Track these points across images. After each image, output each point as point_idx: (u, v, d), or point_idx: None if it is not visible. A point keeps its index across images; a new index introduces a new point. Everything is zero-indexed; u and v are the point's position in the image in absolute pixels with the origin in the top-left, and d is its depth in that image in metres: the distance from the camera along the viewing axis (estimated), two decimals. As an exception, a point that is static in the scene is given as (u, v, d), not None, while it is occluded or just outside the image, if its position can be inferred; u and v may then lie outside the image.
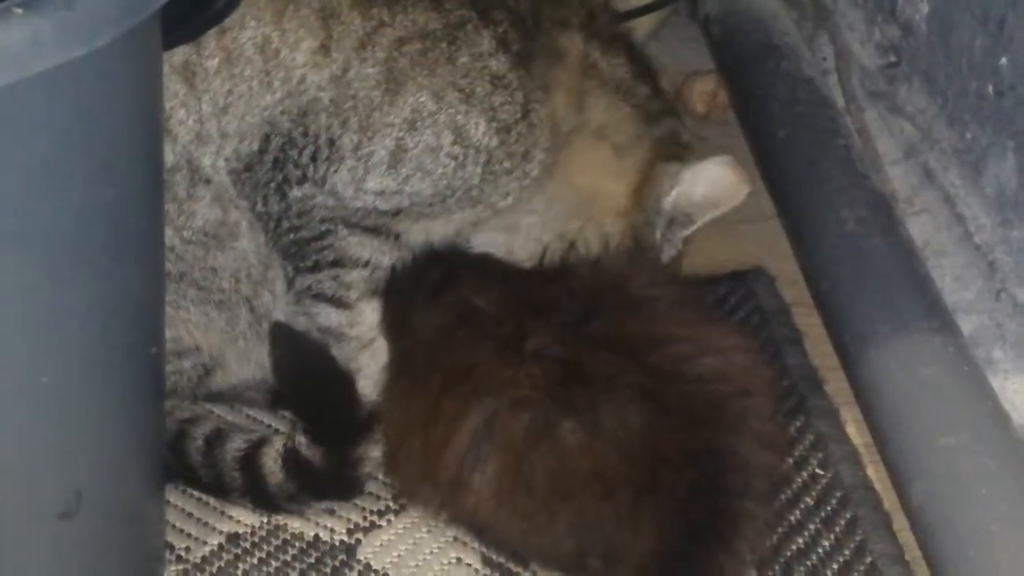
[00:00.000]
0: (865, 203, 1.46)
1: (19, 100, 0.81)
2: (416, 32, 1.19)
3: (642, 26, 1.77)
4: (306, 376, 1.29)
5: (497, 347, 1.19)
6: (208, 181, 1.22)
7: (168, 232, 1.19)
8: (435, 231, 1.28)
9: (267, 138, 1.21)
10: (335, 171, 1.21)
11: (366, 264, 1.26)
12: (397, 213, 1.24)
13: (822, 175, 1.52)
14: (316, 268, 1.25)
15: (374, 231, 1.25)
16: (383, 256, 1.26)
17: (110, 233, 0.93)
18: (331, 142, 1.21)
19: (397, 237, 1.26)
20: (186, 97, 1.19)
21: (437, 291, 1.26)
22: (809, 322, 1.47)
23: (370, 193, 1.22)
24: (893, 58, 1.67)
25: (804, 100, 1.65)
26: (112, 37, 0.83)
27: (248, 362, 1.31)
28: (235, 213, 1.24)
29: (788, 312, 1.50)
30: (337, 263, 1.25)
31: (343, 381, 1.26)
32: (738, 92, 1.77)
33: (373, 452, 1.25)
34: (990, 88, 1.42)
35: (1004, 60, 1.38)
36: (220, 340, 1.29)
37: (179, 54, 1.16)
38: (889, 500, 1.28)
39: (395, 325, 1.29)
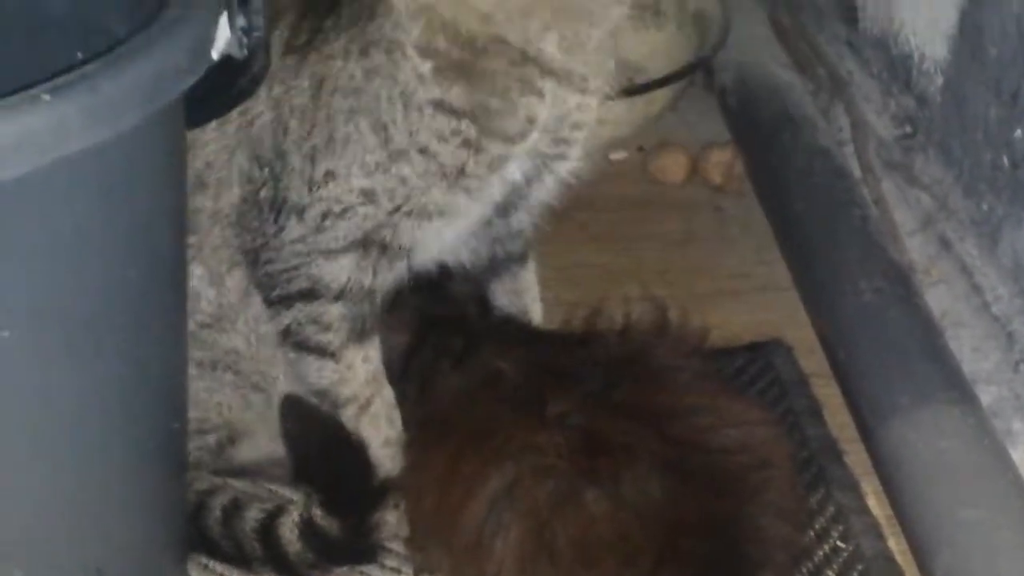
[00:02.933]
0: (882, 273, 1.46)
1: (45, 183, 0.83)
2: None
3: (660, 98, 1.79)
4: (317, 447, 1.29)
5: (519, 412, 1.19)
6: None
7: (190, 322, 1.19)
8: (430, 236, 1.22)
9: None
10: (288, 181, 1.18)
11: (341, 294, 1.21)
12: (367, 204, 1.18)
13: (839, 246, 1.52)
14: (289, 300, 1.22)
15: (350, 246, 1.20)
16: (363, 275, 1.21)
17: (132, 313, 0.94)
18: (279, 154, 1.18)
19: (383, 249, 1.21)
20: None
21: (461, 357, 1.27)
22: (828, 392, 1.47)
23: (321, 183, 1.17)
24: (909, 129, 1.68)
25: (821, 171, 1.66)
26: (137, 121, 0.85)
27: (276, 438, 1.31)
28: (228, 291, 1.25)
29: (807, 383, 1.50)
30: (311, 294, 1.21)
31: (354, 449, 1.26)
32: (755, 163, 1.78)
33: (389, 517, 1.25)
34: (1005, 159, 1.43)
35: (1019, 132, 1.39)
36: (253, 418, 1.29)
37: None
38: (911, 573, 1.27)
39: (418, 394, 1.29)
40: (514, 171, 1.21)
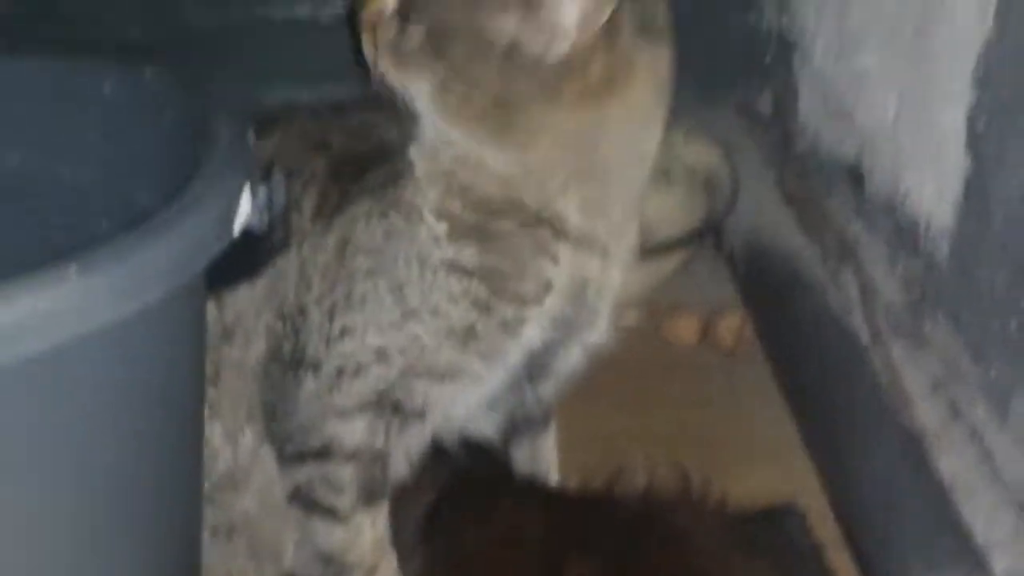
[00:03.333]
0: (894, 440, 1.47)
1: (71, 355, 0.84)
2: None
3: (670, 261, 1.81)
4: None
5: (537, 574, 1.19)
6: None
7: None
8: (445, 399, 1.23)
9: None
10: (308, 336, 1.20)
11: (354, 455, 1.22)
12: (380, 363, 1.19)
13: (850, 411, 1.53)
14: (302, 459, 1.23)
15: (364, 406, 1.21)
16: (376, 438, 1.22)
17: (149, 482, 0.95)
18: (300, 309, 1.20)
19: (396, 411, 1.22)
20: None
21: (483, 518, 1.27)
22: (842, 557, 1.47)
23: (337, 339, 1.19)
24: (917, 293, 1.69)
25: (831, 335, 1.67)
26: (162, 293, 0.87)
27: None
28: (242, 449, 1.25)
29: (820, 550, 1.49)
30: (324, 453, 1.22)
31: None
32: (765, 327, 1.80)
33: None
34: (1013, 325, 1.44)
35: (1026, 298, 1.41)
36: None
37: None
38: None
39: (440, 554, 1.29)
40: (533, 337, 1.21)
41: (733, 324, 1.83)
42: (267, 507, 1.27)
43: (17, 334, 0.80)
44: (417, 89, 1.15)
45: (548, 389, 1.31)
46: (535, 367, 1.26)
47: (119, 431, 0.91)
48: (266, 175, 1.03)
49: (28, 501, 0.87)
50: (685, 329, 1.84)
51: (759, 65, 2.19)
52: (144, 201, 1.09)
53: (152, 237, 0.86)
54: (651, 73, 1.16)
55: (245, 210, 0.97)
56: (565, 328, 1.23)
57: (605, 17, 1.09)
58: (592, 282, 1.22)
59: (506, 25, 1.10)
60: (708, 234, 1.90)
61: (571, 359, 1.27)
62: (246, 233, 0.98)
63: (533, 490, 1.33)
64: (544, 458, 1.44)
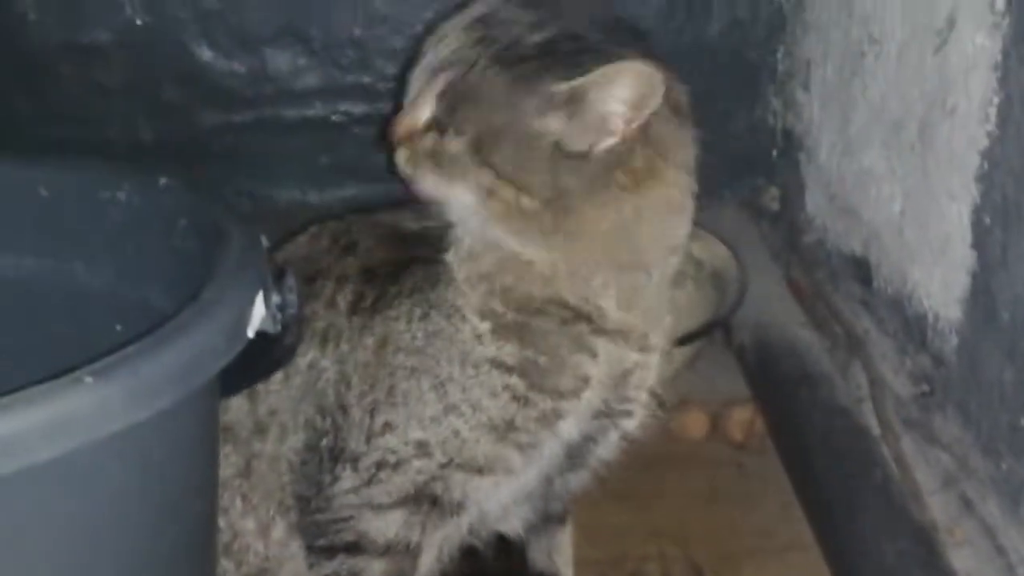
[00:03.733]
0: (905, 534, 1.46)
1: (86, 460, 0.85)
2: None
3: (679, 356, 1.81)
4: None
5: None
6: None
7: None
8: (482, 492, 1.24)
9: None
10: (348, 432, 1.21)
11: (386, 550, 1.22)
12: (421, 456, 1.20)
13: (861, 506, 1.53)
14: (332, 552, 1.23)
15: (401, 501, 1.21)
16: (411, 532, 1.22)
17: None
18: (341, 406, 1.22)
19: (434, 503, 1.22)
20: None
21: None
22: (855, 655, 1.46)
23: (378, 434, 1.20)
24: (926, 387, 1.69)
25: (840, 429, 1.67)
26: (174, 399, 0.88)
27: None
28: (273, 542, 1.26)
29: (833, 646, 1.49)
30: (355, 547, 1.22)
31: None
32: (774, 421, 1.80)
33: None
34: (1022, 421, 1.44)
35: (1035, 394, 1.41)
36: None
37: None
38: None
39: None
40: (571, 430, 1.22)
41: (743, 418, 1.83)
42: None
43: (32, 441, 0.81)
44: (459, 198, 1.16)
45: (580, 481, 1.33)
46: (571, 459, 1.27)
47: (132, 535, 0.92)
48: (279, 278, 1.04)
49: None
50: (694, 423, 1.84)
51: (765, 161, 2.22)
52: (158, 303, 1.11)
53: (164, 345, 0.87)
54: (684, 158, 1.18)
55: (260, 313, 0.99)
56: (604, 418, 1.24)
57: (652, 109, 1.10)
58: (632, 373, 1.23)
59: (552, 126, 1.11)
60: (717, 329, 1.91)
61: (608, 450, 1.28)
62: (260, 335, 1.00)
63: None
64: (561, 553, 1.44)
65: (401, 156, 1.17)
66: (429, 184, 1.17)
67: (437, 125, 1.15)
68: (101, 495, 0.88)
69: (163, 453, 0.93)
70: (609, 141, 1.11)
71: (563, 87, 1.10)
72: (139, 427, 0.85)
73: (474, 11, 1.17)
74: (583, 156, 1.12)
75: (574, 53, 1.11)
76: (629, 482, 1.73)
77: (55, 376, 0.82)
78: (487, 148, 1.12)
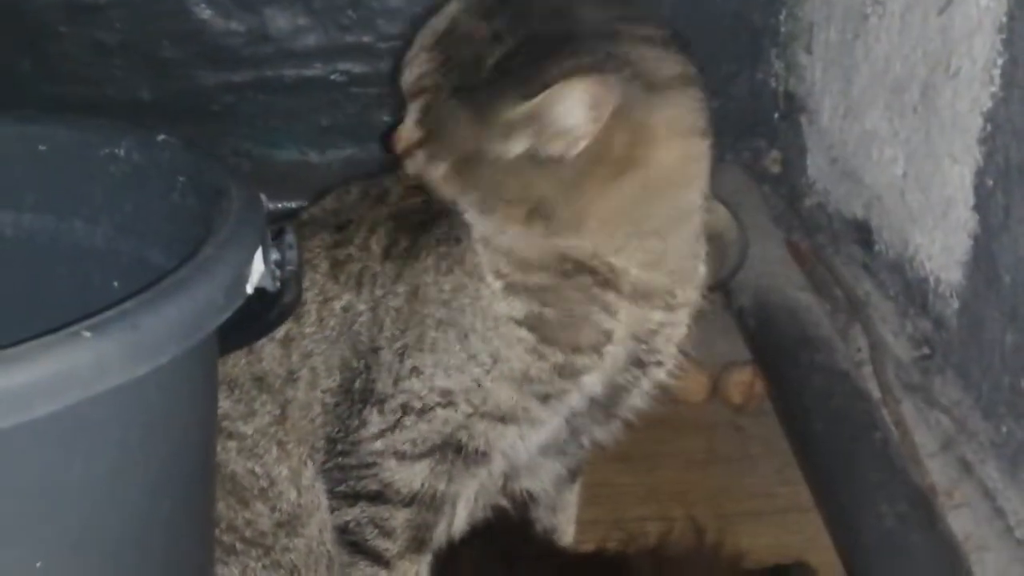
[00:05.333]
0: (904, 497, 1.46)
1: (84, 417, 0.85)
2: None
3: (679, 319, 1.81)
4: None
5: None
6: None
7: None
8: (507, 442, 1.26)
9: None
10: (377, 373, 1.24)
11: (412, 500, 1.24)
12: (446, 406, 1.23)
13: (860, 469, 1.53)
14: (354, 498, 1.25)
15: (426, 453, 1.24)
16: (438, 481, 1.25)
17: (164, 543, 0.95)
18: (373, 348, 1.24)
19: (460, 452, 1.24)
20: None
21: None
22: (853, 617, 1.46)
23: (406, 377, 1.23)
24: (926, 350, 1.69)
25: (840, 392, 1.67)
26: (174, 355, 0.87)
27: None
28: (305, 489, 1.27)
29: (831, 608, 1.49)
30: (378, 496, 1.25)
31: None
32: (774, 383, 1.80)
33: None
34: (1022, 384, 1.44)
35: (1035, 357, 1.41)
36: None
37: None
38: None
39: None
40: (594, 383, 1.25)
41: (742, 380, 1.83)
42: (315, 553, 1.28)
43: (30, 395, 0.80)
44: (466, 205, 1.20)
45: (610, 433, 1.34)
46: (604, 409, 1.29)
47: (131, 490, 0.91)
48: (278, 235, 1.04)
49: (41, 560, 0.87)
50: (694, 385, 1.84)
51: (767, 124, 2.21)
52: (157, 261, 1.10)
53: (163, 300, 0.87)
54: (673, 127, 1.18)
55: (259, 270, 0.98)
56: (636, 368, 1.26)
57: (612, 106, 1.12)
58: (657, 333, 1.25)
59: (519, 147, 1.14)
60: (717, 291, 1.90)
61: (641, 398, 1.30)
62: (259, 292, 0.99)
63: (550, 554, 1.33)
64: (566, 510, 1.45)
65: (409, 168, 1.21)
66: (442, 190, 1.20)
67: (423, 149, 1.19)
68: (100, 450, 0.88)
69: (162, 408, 0.93)
70: (580, 144, 1.13)
71: (518, 112, 1.13)
72: (138, 382, 0.85)
73: (437, 25, 1.20)
74: (559, 160, 1.14)
75: (529, 65, 1.13)
76: (629, 444, 1.72)
77: (53, 331, 0.82)
78: (465, 172, 1.17)
